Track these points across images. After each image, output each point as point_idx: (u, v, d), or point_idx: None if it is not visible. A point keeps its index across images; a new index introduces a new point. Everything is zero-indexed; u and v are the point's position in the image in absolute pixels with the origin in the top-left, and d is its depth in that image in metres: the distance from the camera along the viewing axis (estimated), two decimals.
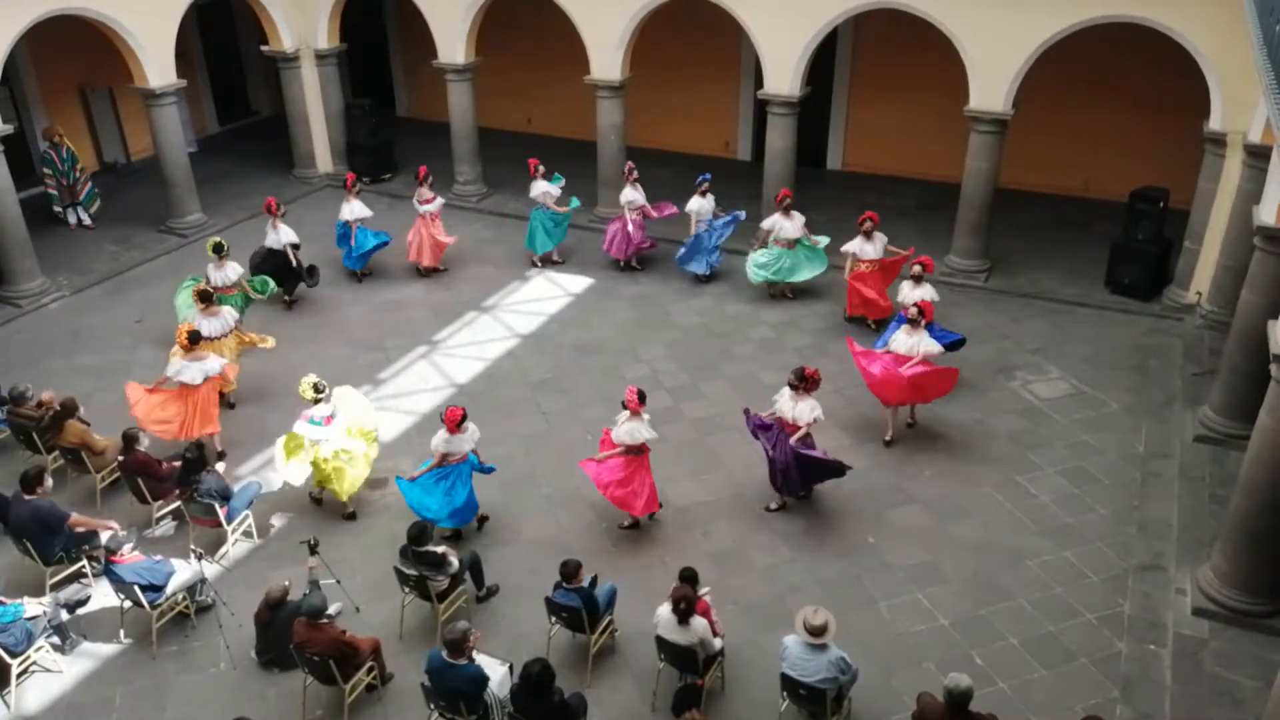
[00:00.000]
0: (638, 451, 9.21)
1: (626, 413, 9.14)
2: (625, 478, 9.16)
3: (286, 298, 13.84)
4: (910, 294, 11.47)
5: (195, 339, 10.36)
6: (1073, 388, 11.73)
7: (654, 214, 14.44)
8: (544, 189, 14.54)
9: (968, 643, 8.28)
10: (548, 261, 14.97)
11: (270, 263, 13.51)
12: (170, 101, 15.45)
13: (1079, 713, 7.23)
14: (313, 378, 9.75)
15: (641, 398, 9.12)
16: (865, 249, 12.66)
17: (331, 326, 13.32)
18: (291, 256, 13.58)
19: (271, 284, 12.83)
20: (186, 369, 10.20)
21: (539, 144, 19.50)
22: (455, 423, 9.07)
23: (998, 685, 7.86)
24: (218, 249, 12.23)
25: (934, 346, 10.52)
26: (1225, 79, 11.94)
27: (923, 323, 10.62)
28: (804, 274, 13.66)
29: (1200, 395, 11.17)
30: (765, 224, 13.71)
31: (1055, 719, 7.46)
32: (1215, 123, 12.26)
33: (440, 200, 14.46)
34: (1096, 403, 11.45)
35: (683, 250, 14.27)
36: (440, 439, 9.13)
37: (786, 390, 9.62)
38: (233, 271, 12.34)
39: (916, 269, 11.66)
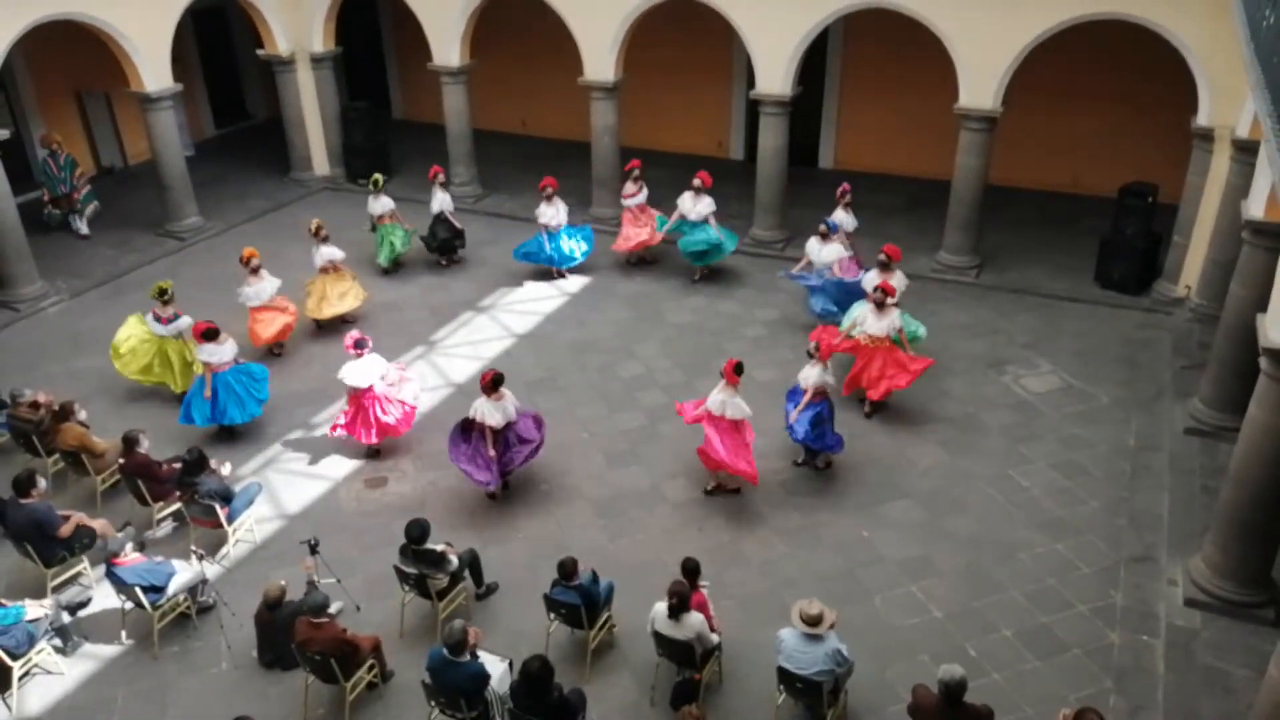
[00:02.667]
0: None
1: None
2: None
3: (442, 261, 15.08)
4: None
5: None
6: (1063, 382, 11.83)
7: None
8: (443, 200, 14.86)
9: (962, 635, 8.37)
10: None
11: (442, 227, 14.79)
12: (166, 106, 15.50)
13: (1072, 703, 7.31)
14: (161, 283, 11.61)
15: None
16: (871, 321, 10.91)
17: (329, 328, 13.36)
18: (451, 220, 14.82)
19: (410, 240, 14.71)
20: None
21: (534, 145, 19.64)
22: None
23: (992, 677, 7.95)
24: (376, 183, 14.53)
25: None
26: (1213, 74, 12.04)
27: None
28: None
29: (1190, 388, 11.27)
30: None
31: (1049, 710, 7.53)
32: (1203, 118, 12.36)
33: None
34: (1087, 396, 11.55)
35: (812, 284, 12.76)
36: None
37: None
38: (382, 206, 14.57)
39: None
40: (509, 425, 9.75)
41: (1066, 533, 9.47)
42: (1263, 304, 8.27)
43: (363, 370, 10.32)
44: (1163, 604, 8.61)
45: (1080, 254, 14.41)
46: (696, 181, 13.74)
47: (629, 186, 14.62)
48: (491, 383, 9.57)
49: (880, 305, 10.80)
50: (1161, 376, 11.85)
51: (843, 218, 13.19)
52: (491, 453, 9.62)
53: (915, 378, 10.94)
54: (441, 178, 14.74)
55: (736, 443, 9.64)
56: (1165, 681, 7.87)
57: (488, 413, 9.55)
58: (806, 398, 10.05)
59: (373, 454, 10.75)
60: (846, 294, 12.18)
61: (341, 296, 13.14)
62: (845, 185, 13.50)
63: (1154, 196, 13.39)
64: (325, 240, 12.99)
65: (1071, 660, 8.12)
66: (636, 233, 14.58)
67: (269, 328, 12.38)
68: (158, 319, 11.45)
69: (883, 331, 10.82)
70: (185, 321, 11.44)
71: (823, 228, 12.52)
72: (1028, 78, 13.41)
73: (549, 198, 14.18)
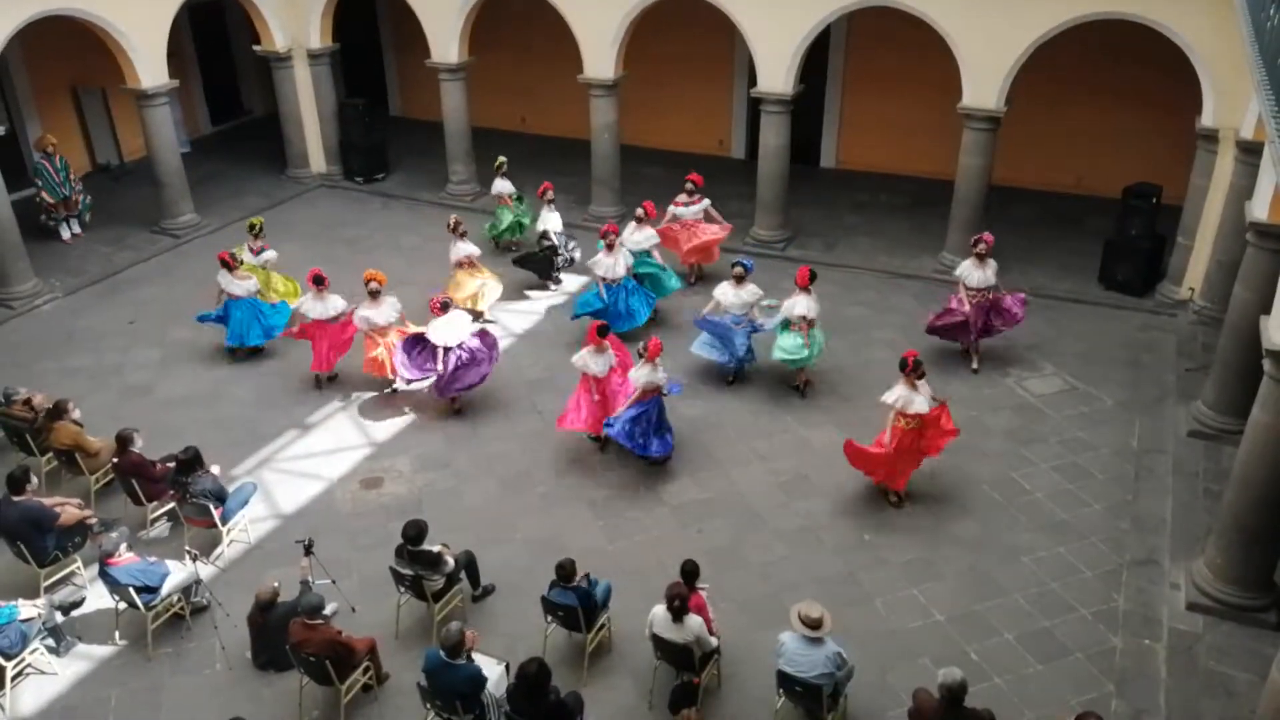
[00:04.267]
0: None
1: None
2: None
3: (546, 280, 14.31)
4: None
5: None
6: (1067, 384, 11.76)
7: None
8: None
9: (963, 639, 8.30)
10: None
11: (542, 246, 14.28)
12: (162, 102, 15.41)
13: (1074, 707, 7.25)
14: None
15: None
16: (911, 397, 9.58)
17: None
18: (554, 239, 14.26)
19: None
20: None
21: (533, 143, 19.55)
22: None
23: (993, 681, 7.88)
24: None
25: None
26: (1217, 75, 11.97)
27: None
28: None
29: (1193, 390, 11.20)
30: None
31: (1050, 714, 7.47)
32: (1207, 119, 12.29)
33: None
34: (1090, 398, 11.48)
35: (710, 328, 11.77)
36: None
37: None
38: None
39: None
40: (459, 344, 10.98)
41: (1069, 536, 9.40)
42: (1266, 306, 8.22)
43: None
44: (1165, 608, 8.55)
45: (1084, 255, 14.34)
46: (639, 211, 13.12)
47: (681, 197, 13.96)
48: (441, 306, 11.01)
49: (917, 375, 9.47)
50: (1165, 379, 11.78)
51: (970, 270, 11.69)
52: (440, 368, 10.89)
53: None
54: (550, 194, 14.29)
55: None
56: (1167, 686, 7.81)
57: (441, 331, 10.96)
58: (635, 395, 9.92)
59: (454, 410, 11.37)
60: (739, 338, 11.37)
61: (480, 290, 13.07)
62: (985, 236, 11.77)
63: (1158, 198, 13.32)
64: (464, 236, 13.04)
65: (1073, 664, 8.06)
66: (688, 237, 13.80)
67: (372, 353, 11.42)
68: (250, 250, 13.12)
69: (926, 407, 9.53)
70: (271, 254, 13.22)
71: (738, 269, 11.39)
72: (1032, 77, 13.34)
73: (610, 246, 12.51)
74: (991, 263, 11.69)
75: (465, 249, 13.03)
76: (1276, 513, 7.90)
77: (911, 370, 9.40)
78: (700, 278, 14.29)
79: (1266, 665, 6.28)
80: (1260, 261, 9.46)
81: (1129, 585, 8.82)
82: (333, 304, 11.63)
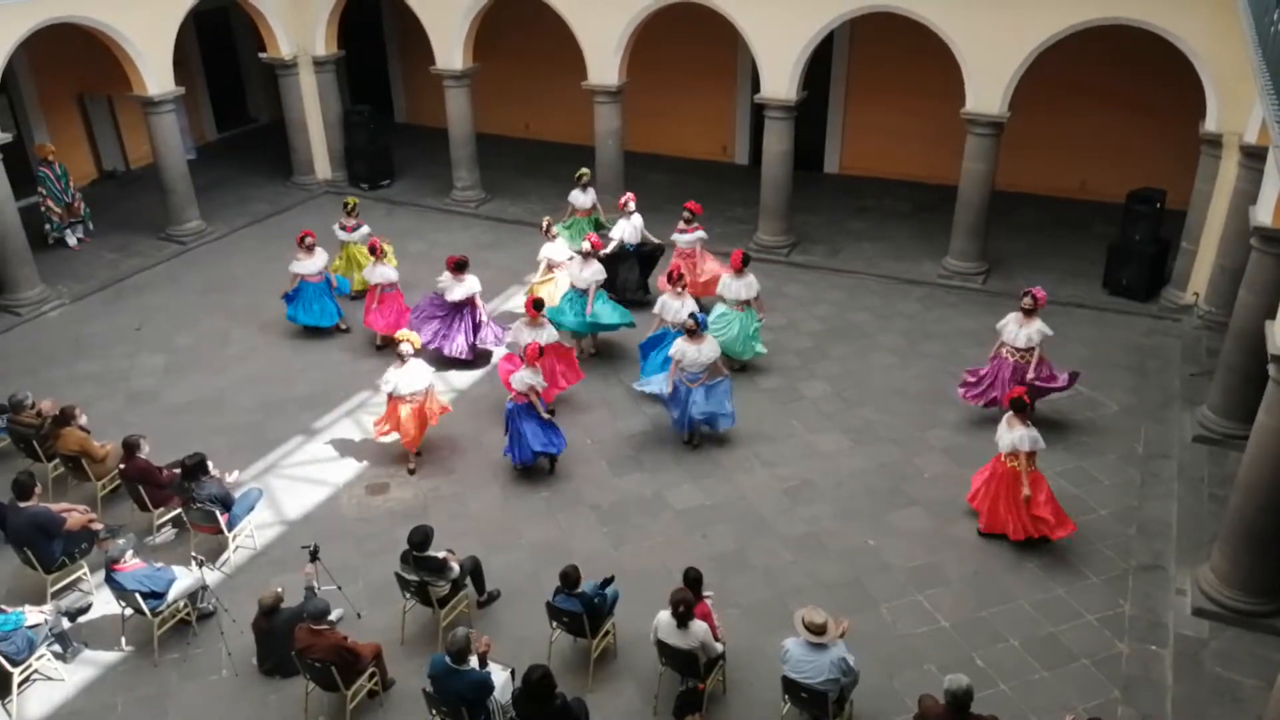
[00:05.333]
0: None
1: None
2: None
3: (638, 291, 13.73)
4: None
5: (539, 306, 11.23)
6: (1072, 389, 11.73)
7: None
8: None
9: (969, 644, 8.29)
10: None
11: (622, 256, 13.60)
12: (169, 109, 15.47)
13: (1080, 714, 7.23)
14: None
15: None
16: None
17: (331, 334, 13.30)
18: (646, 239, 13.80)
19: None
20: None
21: (537, 149, 19.59)
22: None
23: (999, 687, 7.87)
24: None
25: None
26: (1221, 80, 11.97)
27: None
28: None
29: (1198, 395, 11.19)
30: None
31: None
32: (1211, 124, 12.29)
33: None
34: (1095, 404, 11.47)
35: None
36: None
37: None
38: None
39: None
40: (470, 303, 12.07)
41: (1075, 541, 9.36)
42: (1272, 311, 8.22)
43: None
44: (1171, 613, 8.53)
45: (1088, 260, 14.33)
46: (585, 244, 12.28)
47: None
48: (456, 265, 11.90)
49: (1019, 413, 9.03)
50: (1170, 384, 11.77)
51: (1013, 327, 10.71)
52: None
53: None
54: (632, 206, 13.54)
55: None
56: (1174, 692, 7.79)
57: (452, 289, 11.85)
58: (512, 397, 10.13)
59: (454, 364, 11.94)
60: (717, 398, 10.56)
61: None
62: (1037, 291, 10.72)
63: (1162, 202, 13.31)
64: (555, 239, 13.09)
65: (1079, 670, 8.05)
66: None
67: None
68: (343, 228, 13.77)
69: (1008, 447, 9.13)
70: (364, 231, 13.74)
71: (691, 323, 10.45)
72: (1035, 82, 13.35)
73: (681, 290, 11.48)
74: (1039, 322, 10.53)
75: (553, 250, 12.96)
76: None
77: (1011, 407, 9.11)
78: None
79: (1273, 671, 6.29)
80: (1264, 266, 9.45)
81: (1135, 591, 8.80)
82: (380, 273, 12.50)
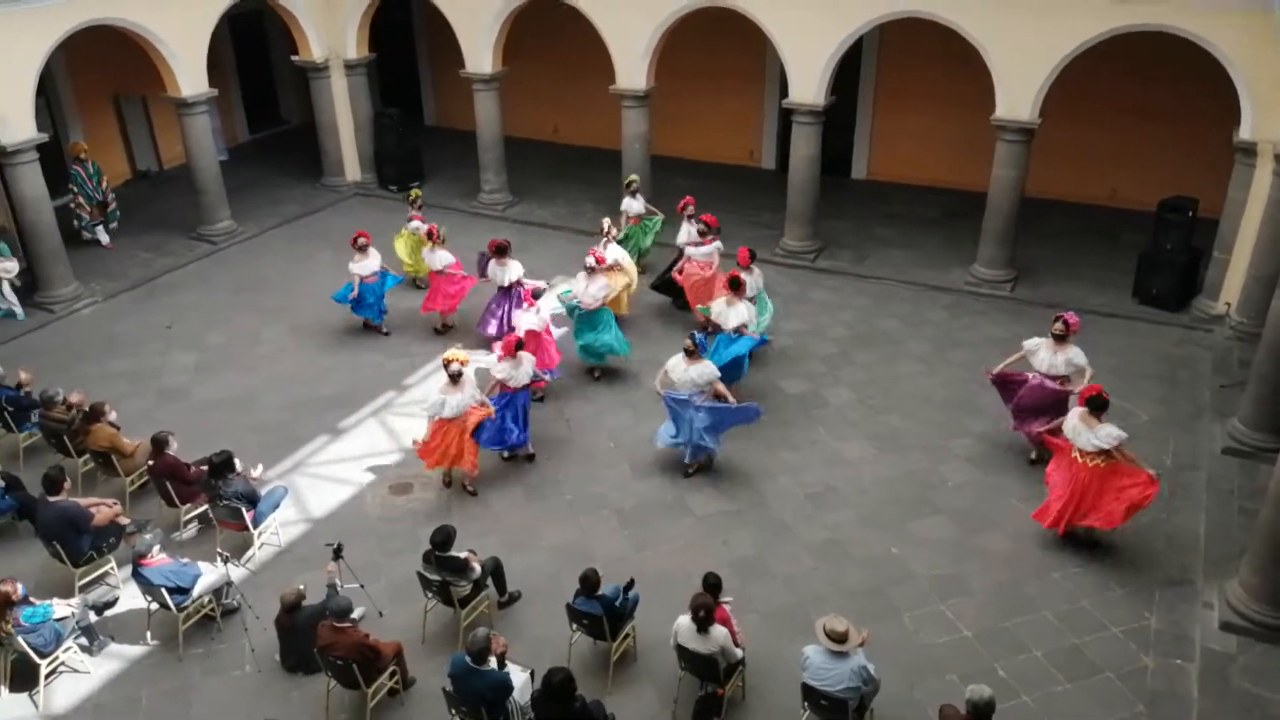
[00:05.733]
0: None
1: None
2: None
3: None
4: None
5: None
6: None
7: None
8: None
9: (991, 655, 8.21)
10: None
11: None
12: (202, 110, 15.67)
13: None
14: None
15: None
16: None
17: (359, 334, 13.43)
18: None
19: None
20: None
21: (565, 153, 19.67)
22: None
23: (1021, 698, 7.79)
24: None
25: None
26: (1255, 87, 11.81)
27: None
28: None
29: (1229, 407, 11.03)
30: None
31: None
32: (1245, 132, 12.12)
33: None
34: (1124, 414, 11.29)
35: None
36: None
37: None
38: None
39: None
40: (517, 285, 12.32)
41: (1101, 553, 9.28)
42: None
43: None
44: (1198, 627, 8.41)
45: (1118, 269, 14.18)
46: (589, 260, 11.94)
47: (687, 230, 13.18)
48: (498, 250, 12.28)
49: (1096, 411, 8.80)
50: (1200, 395, 11.62)
51: (1042, 351, 10.10)
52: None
53: (1136, 507, 8.87)
54: (690, 209, 13.43)
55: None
56: (1200, 707, 7.68)
57: (496, 273, 12.28)
58: (493, 388, 10.30)
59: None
60: (719, 421, 10.18)
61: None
62: (1068, 316, 10.12)
63: (1194, 211, 13.15)
64: (613, 240, 13.27)
65: (1103, 683, 7.95)
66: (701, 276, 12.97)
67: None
68: (409, 219, 14.15)
69: (1098, 445, 8.84)
70: (415, 225, 13.97)
71: (689, 343, 10.07)
72: (1067, 88, 13.23)
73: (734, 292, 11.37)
74: (1073, 349, 9.90)
75: (613, 252, 12.98)
76: None
77: (1088, 405, 8.84)
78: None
79: None
80: None
81: (1161, 604, 8.69)
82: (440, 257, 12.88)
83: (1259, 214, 11.93)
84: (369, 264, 13.01)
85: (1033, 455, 10.42)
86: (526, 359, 10.44)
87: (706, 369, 10.06)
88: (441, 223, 15.52)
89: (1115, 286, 13.95)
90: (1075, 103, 14.75)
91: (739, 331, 11.21)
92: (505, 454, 10.76)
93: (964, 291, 14.16)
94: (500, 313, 12.51)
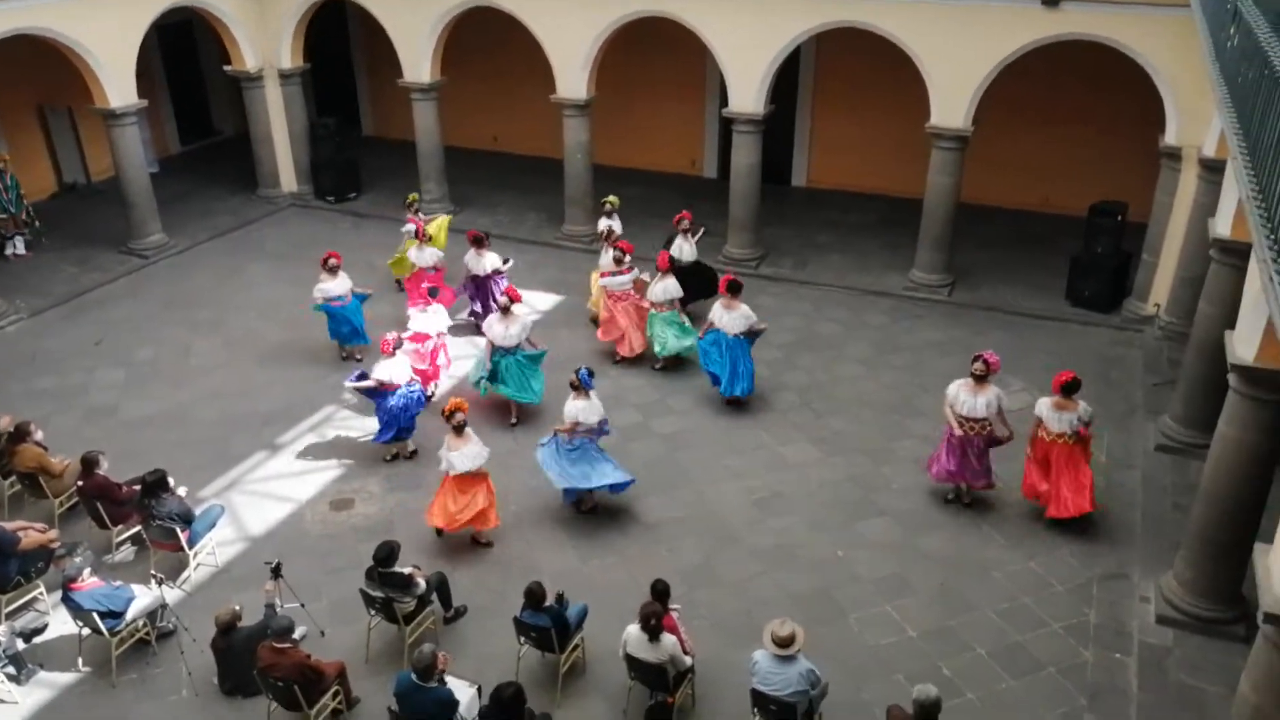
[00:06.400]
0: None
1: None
2: None
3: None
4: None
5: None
6: (1036, 399, 11.79)
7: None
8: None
9: (936, 654, 8.30)
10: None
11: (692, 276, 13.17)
12: (131, 122, 15.29)
13: None
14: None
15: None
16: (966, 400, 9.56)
17: (296, 347, 13.16)
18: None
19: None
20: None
21: (506, 162, 19.56)
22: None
23: (966, 696, 7.88)
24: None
25: None
26: (1180, 94, 12.18)
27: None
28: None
29: (1161, 405, 11.33)
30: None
31: None
32: (1171, 137, 12.50)
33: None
34: None
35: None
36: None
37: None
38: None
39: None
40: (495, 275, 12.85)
41: (1039, 550, 9.44)
42: (1231, 321, 8.32)
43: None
44: (1136, 621, 8.60)
45: (1052, 272, 14.49)
46: (503, 299, 11.51)
47: (605, 258, 12.78)
48: (475, 240, 12.86)
49: (1069, 394, 9.34)
50: (1133, 394, 11.91)
51: (962, 394, 9.63)
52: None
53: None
54: (686, 224, 13.36)
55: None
56: (1139, 700, 7.84)
57: (473, 263, 12.91)
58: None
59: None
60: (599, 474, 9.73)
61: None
62: (988, 355, 9.63)
63: (1123, 215, 13.51)
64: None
65: (1046, 679, 8.08)
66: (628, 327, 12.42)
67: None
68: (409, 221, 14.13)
69: (1071, 426, 9.37)
70: (408, 227, 13.97)
71: (574, 379, 9.74)
72: (1000, 97, 13.53)
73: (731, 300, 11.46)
74: (993, 390, 9.55)
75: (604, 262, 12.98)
76: (1243, 526, 7.97)
77: (1063, 390, 9.34)
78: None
79: (1236, 678, 6.32)
80: (1223, 277, 9.59)
81: (1100, 599, 8.87)
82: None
83: (1185, 217, 12.29)
84: (337, 285, 12.44)
85: (949, 495, 10.09)
86: (403, 358, 10.77)
87: (594, 406, 9.69)
88: (381, 235, 15.43)
89: (1049, 289, 14.25)
90: (1008, 111, 15.07)
91: (749, 335, 11.40)
92: (388, 458, 10.84)
93: (902, 296, 14.36)
94: (476, 303, 13.09)
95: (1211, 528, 8.17)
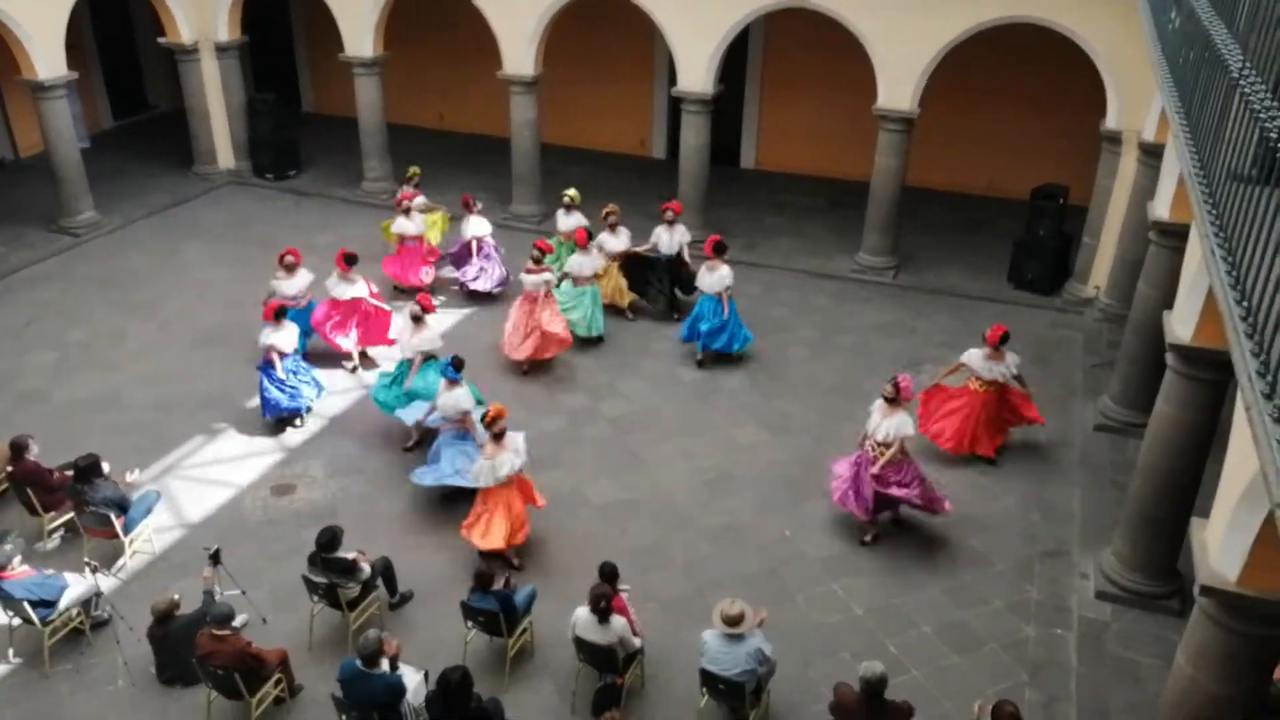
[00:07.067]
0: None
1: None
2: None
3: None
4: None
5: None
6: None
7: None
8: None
9: (882, 632, 8.39)
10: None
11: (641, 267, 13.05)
12: (60, 94, 14.74)
13: (990, 697, 7.36)
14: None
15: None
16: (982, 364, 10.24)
17: (233, 329, 12.84)
18: (686, 254, 13.05)
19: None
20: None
21: (452, 141, 19.26)
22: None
23: (911, 673, 7.98)
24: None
25: None
26: (1121, 79, 12.38)
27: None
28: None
29: (1099, 386, 11.55)
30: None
31: (968, 704, 7.56)
32: (1112, 121, 12.70)
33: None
34: None
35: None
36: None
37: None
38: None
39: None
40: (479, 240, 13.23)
41: (982, 529, 9.58)
42: (1169, 302, 8.48)
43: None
44: (1075, 597, 8.77)
45: (995, 255, 14.68)
46: (414, 307, 10.73)
47: (531, 262, 11.84)
48: (465, 205, 13.42)
49: (1003, 346, 10.26)
50: (1072, 375, 12.13)
51: (875, 421, 9.12)
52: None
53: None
54: (670, 215, 12.86)
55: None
56: (1078, 673, 8.02)
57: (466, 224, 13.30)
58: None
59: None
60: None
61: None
62: (901, 379, 9.12)
63: (1065, 198, 13.72)
64: (614, 228, 13.02)
65: (988, 655, 8.21)
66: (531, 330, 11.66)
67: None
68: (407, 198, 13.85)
69: (1001, 374, 10.34)
70: (420, 200, 14.03)
71: (450, 377, 9.52)
72: (945, 80, 13.61)
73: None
74: (901, 415, 9.02)
75: (612, 242, 12.91)
76: (1180, 502, 8.16)
77: (1000, 342, 10.19)
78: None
79: (1171, 650, 6.48)
80: (1162, 259, 9.78)
81: (1040, 576, 9.03)
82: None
83: (1125, 200, 12.51)
84: (297, 283, 11.72)
85: (866, 538, 9.40)
86: (290, 327, 10.74)
87: (460, 395, 9.46)
88: (322, 214, 15.12)
89: (991, 272, 14.44)
90: (953, 94, 15.16)
91: (726, 295, 11.83)
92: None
93: (849, 279, 14.44)
94: (466, 265, 13.41)
95: (1149, 504, 8.36)
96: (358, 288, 11.86)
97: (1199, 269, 7.03)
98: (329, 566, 7.87)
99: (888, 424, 8.96)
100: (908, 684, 7.79)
